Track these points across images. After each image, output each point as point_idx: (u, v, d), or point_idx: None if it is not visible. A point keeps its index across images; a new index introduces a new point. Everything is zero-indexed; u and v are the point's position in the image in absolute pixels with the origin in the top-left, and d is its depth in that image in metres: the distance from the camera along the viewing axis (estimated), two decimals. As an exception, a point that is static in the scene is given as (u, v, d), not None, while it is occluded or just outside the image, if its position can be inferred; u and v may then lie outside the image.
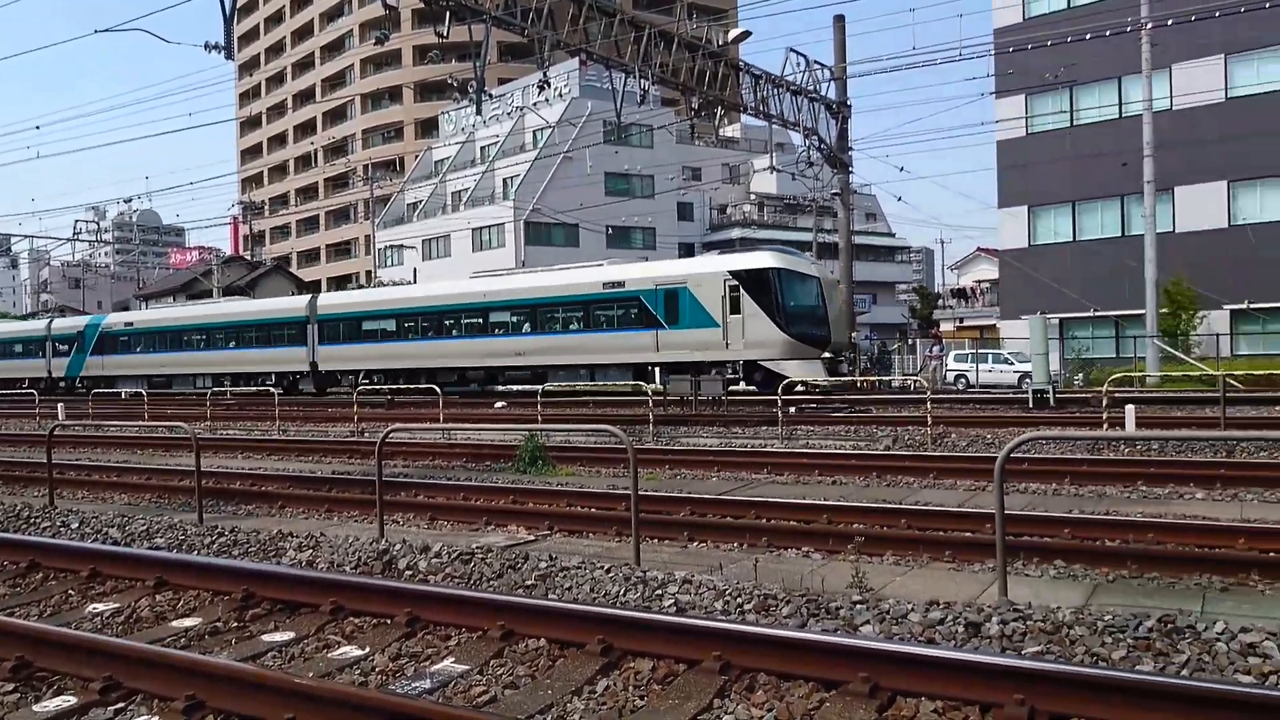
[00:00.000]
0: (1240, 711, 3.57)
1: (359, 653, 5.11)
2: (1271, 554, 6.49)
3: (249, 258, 67.71)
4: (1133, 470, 10.30)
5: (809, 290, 26.64)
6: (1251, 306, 33.23)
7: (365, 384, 33.62)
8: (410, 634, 5.32)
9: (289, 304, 39.61)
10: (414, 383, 31.13)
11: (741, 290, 25.98)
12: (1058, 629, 4.77)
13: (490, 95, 24.43)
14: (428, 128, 74.70)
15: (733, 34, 30.46)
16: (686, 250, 55.67)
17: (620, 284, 28.50)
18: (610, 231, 56.33)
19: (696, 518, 8.55)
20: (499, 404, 26.83)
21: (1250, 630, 4.52)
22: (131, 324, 44.70)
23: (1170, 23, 27.24)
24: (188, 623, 5.84)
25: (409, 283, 40.60)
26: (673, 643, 4.72)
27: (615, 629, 4.88)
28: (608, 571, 6.31)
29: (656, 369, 27.26)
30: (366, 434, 18.84)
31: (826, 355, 26.50)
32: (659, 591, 5.89)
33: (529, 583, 6.40)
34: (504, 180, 59.51)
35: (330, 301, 38.04)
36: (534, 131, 59.15)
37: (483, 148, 63.55)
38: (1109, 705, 3.78)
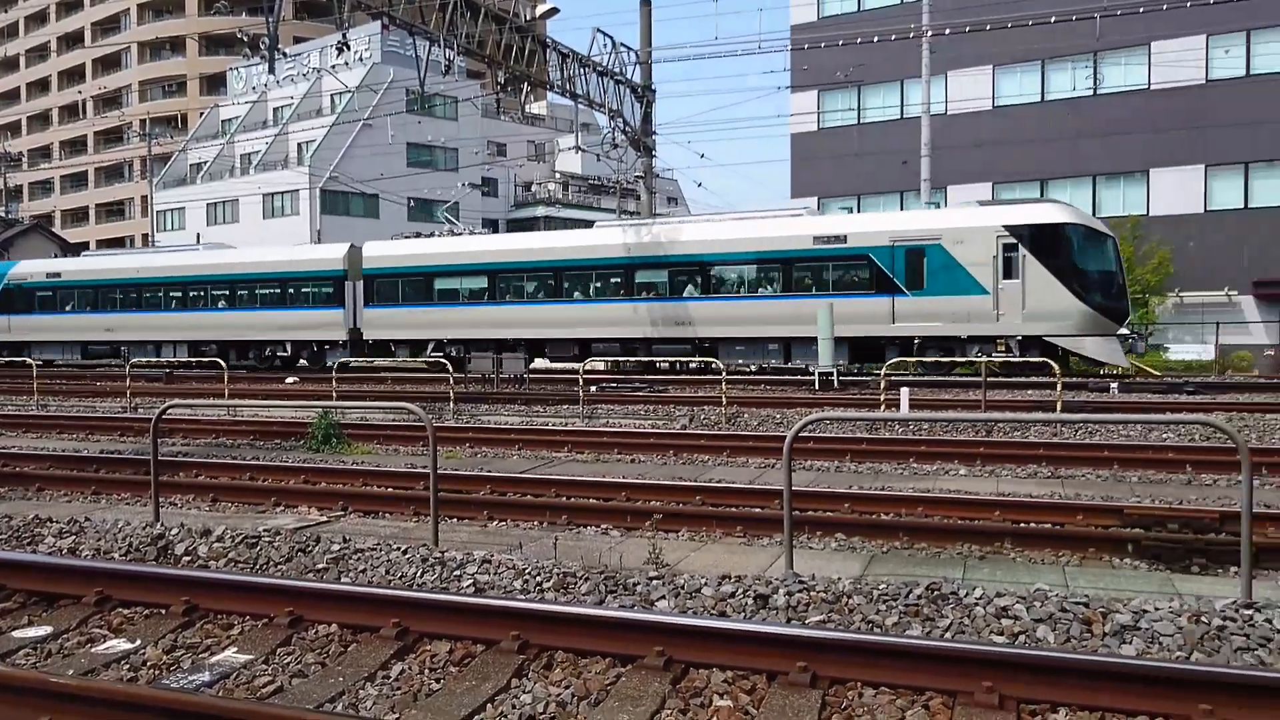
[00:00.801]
0: (994, 668, 3.93)
1: (128, 646, 4.77)
2: (1022, 525, 7.16)
3: (3, 214, 61.01)
4: (906, 448, 11.08)
5: (1106, 252, 22.15)
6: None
7: (436, 356, 27.99)
8: (188, 624, 5.02)
9: (314, 254, 31.92)
10: (506, 353, 26.02)
11: (1021, 249, 21.65)
12: (838, 599, 5.07)
13: (284, 54, 22.83)
14: (214, 84, 69.85)
15: (540, 9, 30.17)
16: (490, 227, 54.93)
17: (840, 238, 23.54)
18: (412, 204, 54.82)
19: (497, 496, 8.51)
20: (290, 379, 25.64)
21: (1004, 595, 4.97)
22: (59, 274, 36.14)
23: (948, 32, 29.30)
24: (-77, 620, 5.26)
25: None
26: (470, 624, 4.69)
27: (411, 611, 4.80)
28: (404, 553, 6.18)
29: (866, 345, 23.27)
30: (141, 410, 17.58)
31: (1122, 332, 22.44)
32: (457, 572, 5.82)
33: (320, 566, 6.17)
34: (299, 145, 56.60)
35: (384, 252, 29.98)
36: (332, 95, 56.56)
37: (275, 109, 60.11)
38: (881, 668, 4.09)
